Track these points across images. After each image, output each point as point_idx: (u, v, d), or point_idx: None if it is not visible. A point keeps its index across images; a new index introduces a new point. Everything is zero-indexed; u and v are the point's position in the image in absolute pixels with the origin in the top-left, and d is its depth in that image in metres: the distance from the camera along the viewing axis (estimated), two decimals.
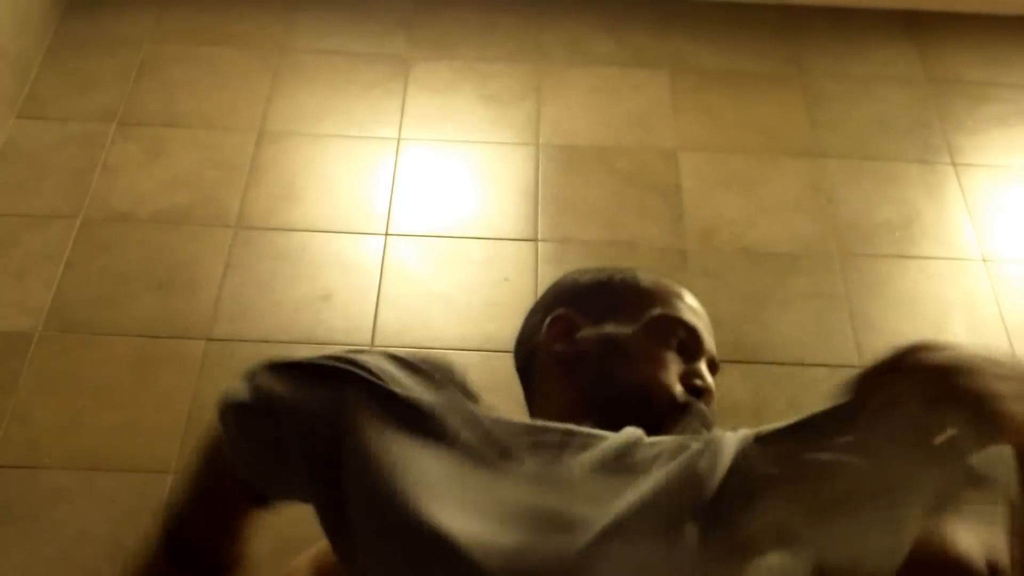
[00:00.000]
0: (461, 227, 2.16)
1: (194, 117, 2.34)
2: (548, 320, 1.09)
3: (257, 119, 2.34)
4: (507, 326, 2.13)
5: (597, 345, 1.04)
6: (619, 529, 0.75)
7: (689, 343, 1.05)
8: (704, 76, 2.52)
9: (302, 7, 2.61)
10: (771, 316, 2.05)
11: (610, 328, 1.05)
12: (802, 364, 1.98)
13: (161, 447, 1.80)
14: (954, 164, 2.36)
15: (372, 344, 1.96)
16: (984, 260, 2.18)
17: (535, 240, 2.13)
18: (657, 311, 1.05)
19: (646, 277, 1.11)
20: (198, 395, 1.87)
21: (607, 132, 2.37)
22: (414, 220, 2.17)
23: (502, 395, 1.90)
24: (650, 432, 0.88)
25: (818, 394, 1.93)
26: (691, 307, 1.08)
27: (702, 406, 0.99)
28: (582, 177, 2.27)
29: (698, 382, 1.02)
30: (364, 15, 2.60)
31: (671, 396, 0.99)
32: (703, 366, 1.04)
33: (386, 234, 2.15)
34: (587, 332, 1.05)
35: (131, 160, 2.25)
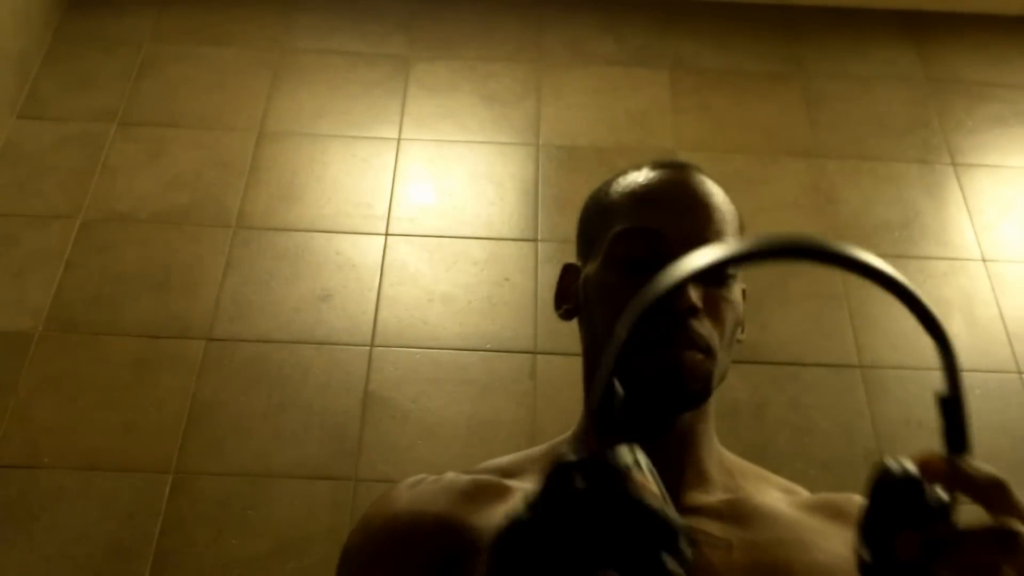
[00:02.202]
0: (461, 227, 2.16)
1: (194, 117, 2.34)
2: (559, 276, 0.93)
3: (257, 119, 2.34)
4: (507, 326, 2.14)
5: (580, 296, 0.87)
6: None
7: (653, 255, 0.79)
8: (704, 76, 2.52)
9: (302, 7, 2.61)
10: (771, 316, 2.05)
11: (588, 268, 0.86)
12: (802, 364, 1.98)
13: (161, 447, 1.81)
14: (953, 164, 2.36)
15: (372, 344, 1.96)
16: (984, 260, 2.18)
17: (535, 240, 2.13)
18: (616, 228, 0.82)
19: (623, 182, 0.87)
20: (198, 395, 1.88)
21: (607, 132, 2.37)
22: (414, 220, 2.17)
23: (502, 395, 1.91)
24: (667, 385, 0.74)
25: (819, 394, 1.94)
26: (662, 200, 0.82)
27: (686, 331, 0.76)
28: (582, 177, 2.27)
29: (674, 303, 0.76)
30: (364, 15, 2.60)
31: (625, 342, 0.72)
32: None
33: (386, 234, 2.15)
34: (580, 280, 0.87)
35: (131, 160, 2.25)
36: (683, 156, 2.32)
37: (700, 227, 0.81)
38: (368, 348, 1.96)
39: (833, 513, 0.84)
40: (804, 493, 0.89)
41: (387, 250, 2.12)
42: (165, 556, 1.69)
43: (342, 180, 2.24)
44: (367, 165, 2.28)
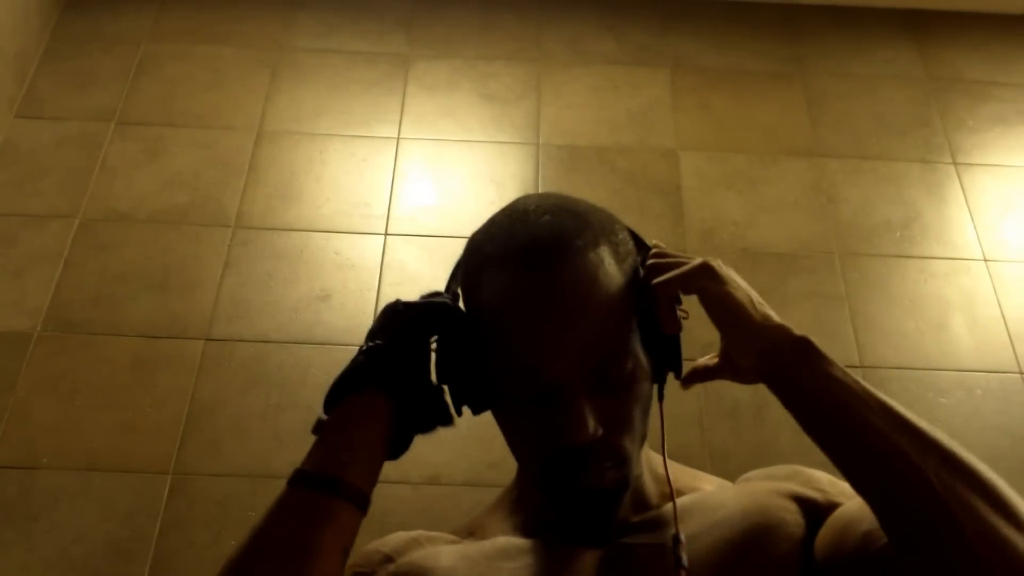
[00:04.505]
0: (461, 227, 2.15)
1: (192, 116, 2.33)
2: None
3: (256, 118, 2.34)
4: None
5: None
6: None
7: (534, 391, 0.76)
8: (705, 75, 2.51)
9: (301, 6, 2.60)
10: None
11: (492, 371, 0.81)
12: None
13: (159, 447, 1.80)
14: (955, 163, 2.36)
15: None
16: (985, 259, 2.17)
17: None
18: (494, 362, 0.79)
19: (488, 283, 0.81)
20: (197, 395, 1.87)
21: (607, 131, 2.37)
22: (414, 220, 2.17)
23: None
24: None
25: None
26: (530, 331, 0.76)
27: (591, 466, 0.76)
28: (582, 176, 2.27)
29: (561, 440, 0.75)
30: (363, 14, 2.59)
31: (542, 464, 0.79)
32: (564, 411, 0.75)
33: (385, 234, 2.14)
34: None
35: (129, 160, 2.24)
36: (683, 155, 2.32)
37: (577, 347, 0.75)
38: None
39: (762, 476, 0.93)
40: (736, 484, 0.96)
41: (386, 250, 2.12)
42: (164, 557, 1.68)
43: (341, 179, 2.24)
44: (366, 164, 2.27)
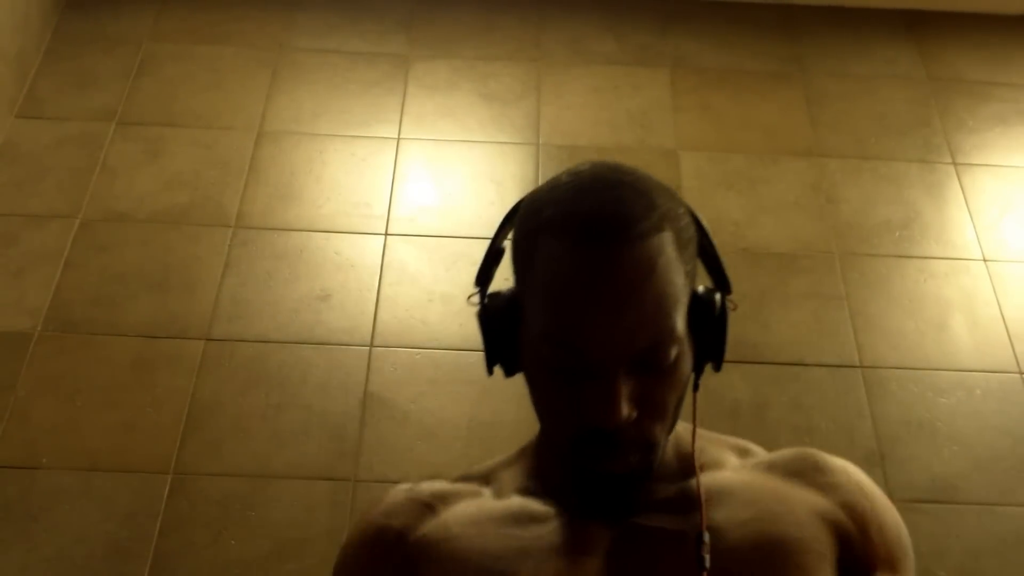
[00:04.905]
0: (461, 227, 2.15)
1: (193, 116, 2.34)
2: None
3: (256, 118, 2.34)
4: None
5: (521, 358, 0.83)
6: None
7: (576, 365, 0.75)
8: (705, 75, 2.51)
9: (301, 6, 2.60)
10: (771, 316, 2.05)
11: (526, 328, 0.81)
12: (802, 364, 1.98)
13: (159, 447, 1.80)
14: (955, 163, 2.36)
15: (371, 344, 1.96)
16: (985, 259, 2.17)
17: None
18: (538, 328, 0.77)
19: (547, 230, 0.77)
20: (197, 395, 1.87)
21: (608, 131, 2.37)
22: (414, 220, 2.17)
23: (502, 396, 1.91)
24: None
25: (819, 394, 1.94)
26: (583, 305, 0.74)
27: (617, 451, 0.76)
28: None
29: (589, 418, 0.74)
30: (363, 14, 2.59)
31: (569, 439, 0.78)
32: (598, 388, 0.74)
33: (385, 234, 2.14)
34: (520, 337, 0.83)
35: (130, 160, 2.25)
36: (684, 155, 2.32)
37: (624, 333, 0.73)
38: (367, 348, 1.96)
39: (790, 472, 0.87)
40: (760, 453, 0.92)
41: (386, 250, 2.12)
42: (164, 557, 1.68)
43: (341, 180, 2.24)
44: (366, 164, 2.27)
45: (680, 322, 0.75)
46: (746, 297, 2.07)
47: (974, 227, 2.24)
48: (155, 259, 2.07)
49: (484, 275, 0.86)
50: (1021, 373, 2.00)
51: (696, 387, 0.81)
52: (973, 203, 2.28)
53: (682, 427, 0.88)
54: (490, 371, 0.84)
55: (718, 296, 0.80)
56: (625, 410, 0.73)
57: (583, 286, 0.73)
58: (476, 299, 0.85)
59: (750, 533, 0.79)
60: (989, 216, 2.26)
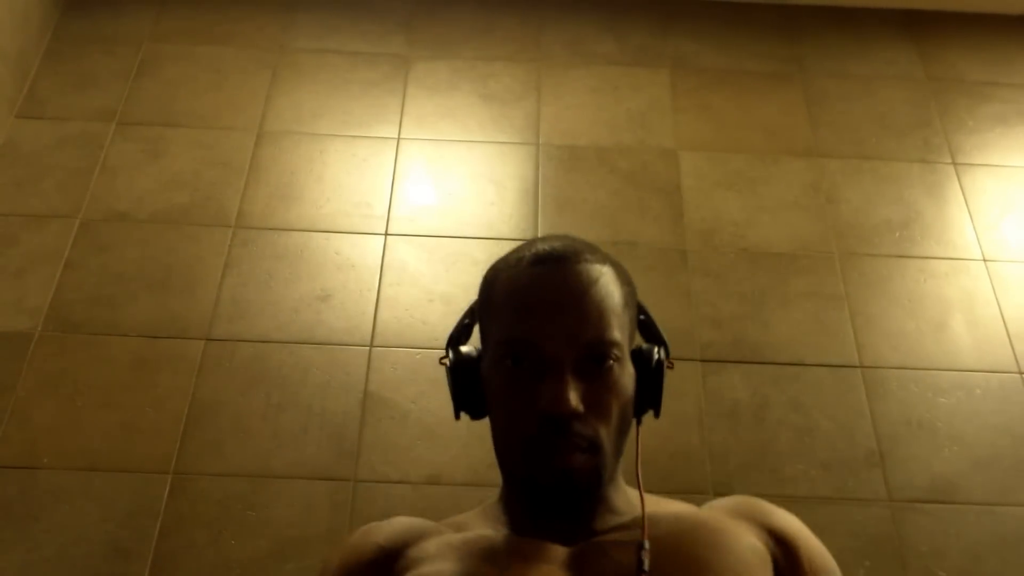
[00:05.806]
0: (461, 227, 2.15)
1: (193, 116, 2.34)
2: None
3: (256, 118, 2.34)
4: None
5: (485, 389, 0.98)
6: None
7: (531, 362, 0.89)
8: (705, 76, 2.51)
9: (301, 6, 2.60)
10: (771, 316, 2.05)
11: (484, 363, 0.97)
12: (802, 364, 1.98)
13: (160, 447, 1.80)
14: (954, 163, 2.36)
15: (371, 344, 1.96)
16: (984, 260, 2.17)
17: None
18: (497, 336, 0.93)
19: (505, 278, 0.96)
20: (197, 395, 1.87)
21: (607, 132, 2.37)
22: (414, 220, 2.17)
23: None
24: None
25: (819, 394, 1.94)
26: (535, 307, 0.90)
27: (569, 435, 0.87)
28: (582, 177, 2.27)
29: (543, 406, 0.87)
30: (363, 14, 2.59)
31: (524, 439, 0.90)
32: (551, 383, 0.87)
33: (385, 234, 2.14)
34: (481, 372, 0.99)
35: (130, 160, 2.25)
36: (683, 156, 2.32)
37: (570, 329, 0.89)
38: (368, 348, 1.96)
39: (730, 510, 0.99)
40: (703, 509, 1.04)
41: (387, 250, 2.12)
42: (164, 557, 1.68)
43: (341, 180, 2.24)
44: (367, 165, 2.27)
45: (618, 334, 0.90)
46: (746, 297, 2.07)
47: (974, 227, 2.24)
48: (155, 259, 2.07)
49: (455, 340, 1.02)
50: (1021, 373, 2.00)
51: (639, 422, 0.96)
52: (973, 203, 2.28)
53: (632, 488, 1.00)
54: (457, 415, 0.99)
55: (657, 349, 0.95)
56: (573, 400, 0.86)
57: (537, 293, 0.90)
58: (447, 360, 0.99)
59: (688, 541, 0.89)
60: (989, 216, 2.26)
